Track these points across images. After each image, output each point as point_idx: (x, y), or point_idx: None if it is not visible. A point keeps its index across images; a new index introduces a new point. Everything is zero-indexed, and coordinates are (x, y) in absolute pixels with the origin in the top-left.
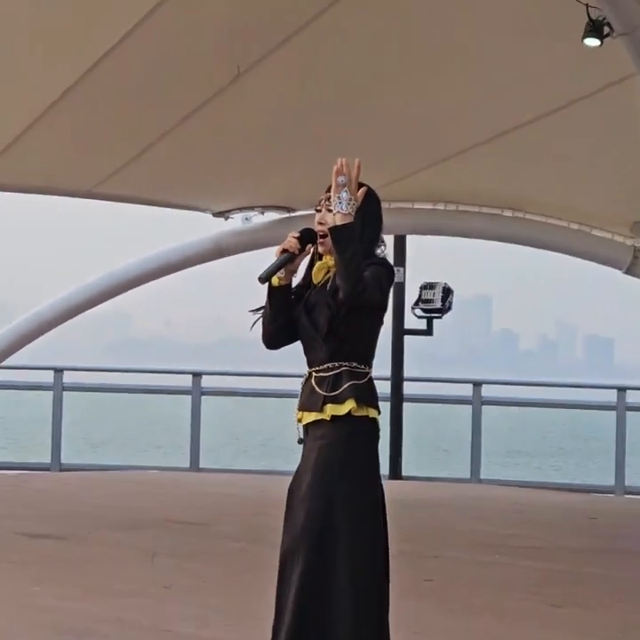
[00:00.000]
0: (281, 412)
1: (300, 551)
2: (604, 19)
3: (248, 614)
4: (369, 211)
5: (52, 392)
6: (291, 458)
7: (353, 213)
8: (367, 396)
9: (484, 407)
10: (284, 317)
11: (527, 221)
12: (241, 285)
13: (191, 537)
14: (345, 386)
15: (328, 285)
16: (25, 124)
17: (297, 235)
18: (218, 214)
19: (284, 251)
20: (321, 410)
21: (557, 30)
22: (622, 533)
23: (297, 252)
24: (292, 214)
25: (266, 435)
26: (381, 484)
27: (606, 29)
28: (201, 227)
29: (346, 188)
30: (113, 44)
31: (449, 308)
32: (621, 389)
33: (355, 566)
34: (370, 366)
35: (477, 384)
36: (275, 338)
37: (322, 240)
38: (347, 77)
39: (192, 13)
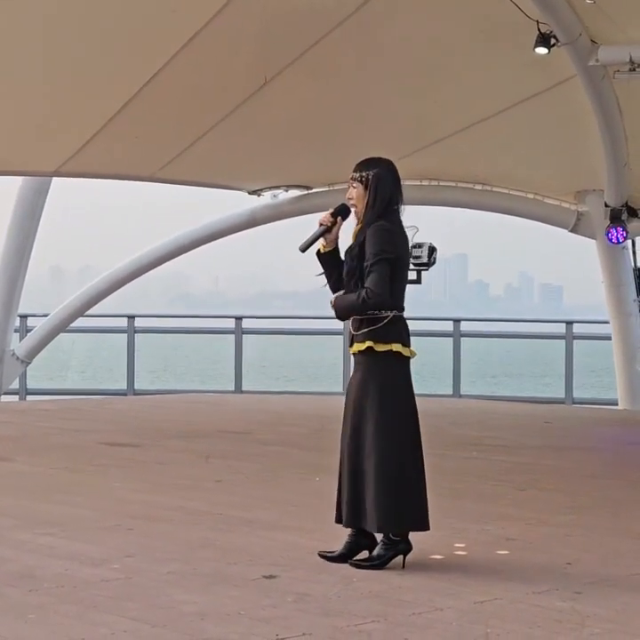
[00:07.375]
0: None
1: (346, 445)
2: (551, 32)
3: (282, 500)
4: (381, 184)
5: (126, 334)
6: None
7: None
8: (385, 335)
9: (462, 339)
10: (337, 274)
11: (494, 193)
12: (270, 249)
13: (237, 443)
14: (363, 330)
15: (354, 247)
16: (100, 125)
17: (331, 211)
18: (252, 192)
19: (321, 225)
20: (351, 345)
21: (514, 42)
22: (570, 434)
23: (329, 224)
24: (310, 191)
25: (292, 364)
26: (406, 396)
27: (553, 40)
28: (236, 203)
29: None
30: (165, 61)
31: (433, 263)
32: (569, 323)
33: (380, 453)
34: (391, 310)
35: (457, 321)
36: (334, 289)
37: (352, 209)
38: (351, 82)
39: (229, 37)
